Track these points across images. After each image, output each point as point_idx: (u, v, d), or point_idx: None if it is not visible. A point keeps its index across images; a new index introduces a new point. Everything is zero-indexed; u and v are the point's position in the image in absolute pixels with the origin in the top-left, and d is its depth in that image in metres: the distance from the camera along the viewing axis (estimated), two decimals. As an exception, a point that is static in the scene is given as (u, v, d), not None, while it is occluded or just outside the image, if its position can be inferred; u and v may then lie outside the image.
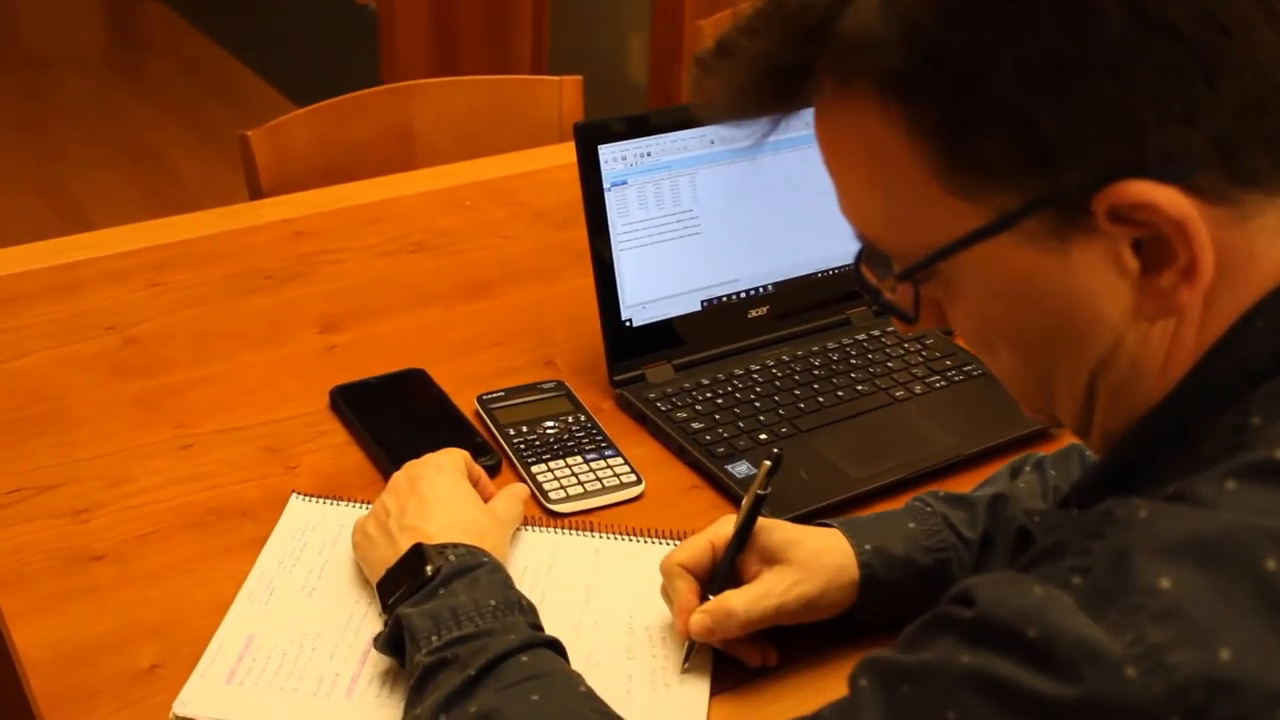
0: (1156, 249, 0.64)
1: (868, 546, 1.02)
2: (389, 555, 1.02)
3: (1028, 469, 1.09)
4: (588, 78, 1.94)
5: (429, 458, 1.10)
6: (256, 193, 1.73)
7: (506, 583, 0.98)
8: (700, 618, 0.99)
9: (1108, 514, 0.62)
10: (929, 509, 1.05)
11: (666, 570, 1.04)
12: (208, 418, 1.29)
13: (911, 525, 1.04)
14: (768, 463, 1.02)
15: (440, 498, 1.05)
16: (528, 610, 0.96)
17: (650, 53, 3.25)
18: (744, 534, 1.02)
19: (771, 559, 1.02)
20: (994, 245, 0.67)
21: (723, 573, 1.02)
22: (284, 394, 1.33)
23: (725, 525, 1.04)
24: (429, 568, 0.97)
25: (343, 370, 1.36)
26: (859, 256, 0.77)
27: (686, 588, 1.02)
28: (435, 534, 1.01)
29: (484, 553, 1.00)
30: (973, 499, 1.06)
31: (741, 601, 0.99)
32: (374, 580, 1.02)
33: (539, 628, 0.96)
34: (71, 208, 3.83)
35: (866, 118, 0.67)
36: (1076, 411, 0.73)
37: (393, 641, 0.96)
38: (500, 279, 1.56)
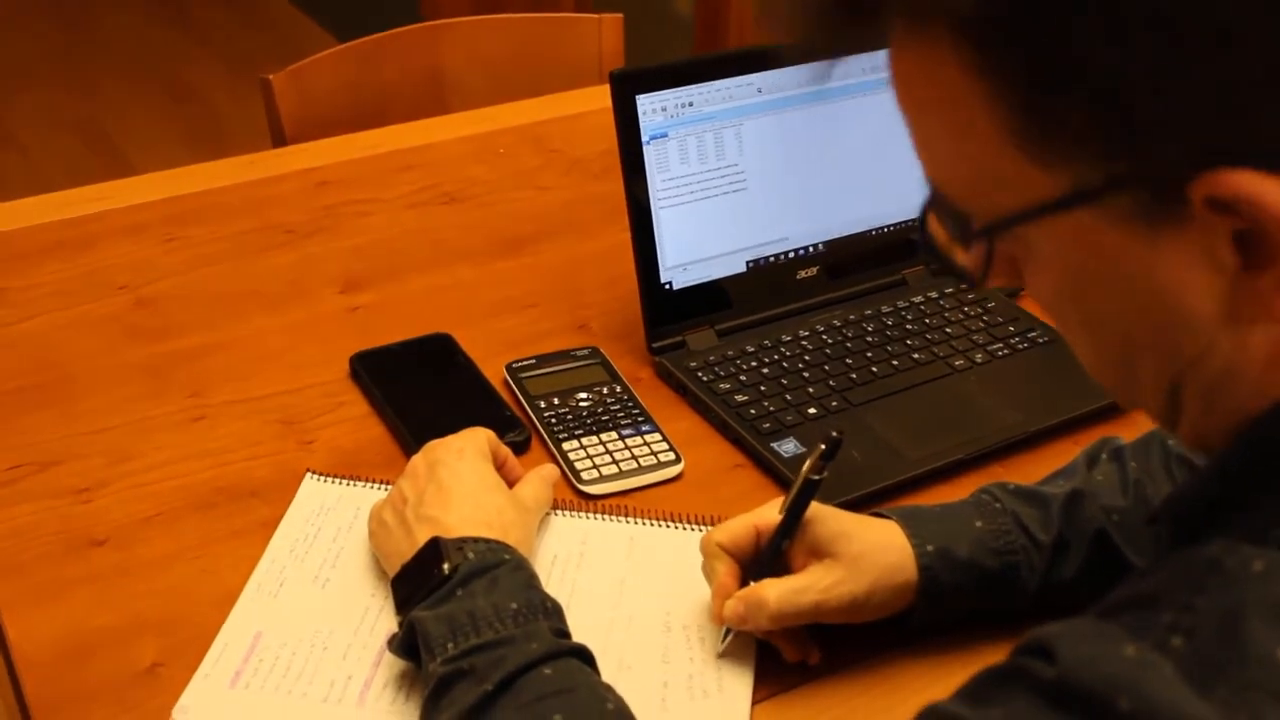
0: (1259, 244, 0.54)
1: (930, 548, 0.93)
2: (405, 548, 0.94)
3: (1104, 458, 0.99)
4: (632, 10, 1.84)
5: (450, 440, 1.02)
6: (280, 139, 1.64)
7: (530, 582, 0.90)
8: (733, 604, 0.92)
9: (1215, 564, 0.53)
10: (998, 505, 0.96)
11: (705, 549, 0.96)
12: (221, 387, 1.22)
13: (979, 524, 0.95)
14: (823, 445, 0.92)
15: (461, 485, 0.97)
16: (552, 613, 0.88)
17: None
18: (791, 522, 0.94)
19: (819, 552, 0.94)
20: (1074, 218, 0.57)
21: (765, 560, 0.94)
22: (302, 360, 1.25)
23: (772, 510, 0.96)
24: (445, 565, 0.89)
25: (365, 334, 1.28)
26: (927, 206, 0.67)
27: (725, 570, 0.94)
28: (454, 526, 0.93)
29: (506, 548, 0.92)
30: (1046, 496, 0.97)
31: (776, 594, 0.91)
32: (390, 574, 0.95)
33: (565, 633, 0.88)
34: (107, 145, 3.76)
35: (942, 64, 0.57)
36: (1160, 409, 0.64)
37: (407, 645, 0.89)
38: (534, 234, 1.47)
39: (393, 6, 3.74)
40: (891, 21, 0.60)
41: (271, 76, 1.61)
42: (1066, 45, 0.53)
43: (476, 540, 0.91)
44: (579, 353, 1.24)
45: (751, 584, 0.93)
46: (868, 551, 0.93)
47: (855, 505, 1.07)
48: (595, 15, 1.82)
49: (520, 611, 0.86)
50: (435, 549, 0.91)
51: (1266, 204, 0.52)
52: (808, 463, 0.93)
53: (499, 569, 0.89)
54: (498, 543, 0.92)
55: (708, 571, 0.96)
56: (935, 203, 0.65)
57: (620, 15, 1.82)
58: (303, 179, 1.55)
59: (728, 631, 0.94)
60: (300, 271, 1.39)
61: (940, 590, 0.93)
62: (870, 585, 0.92)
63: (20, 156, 3.72)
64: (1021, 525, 0.95)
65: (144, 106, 3.98)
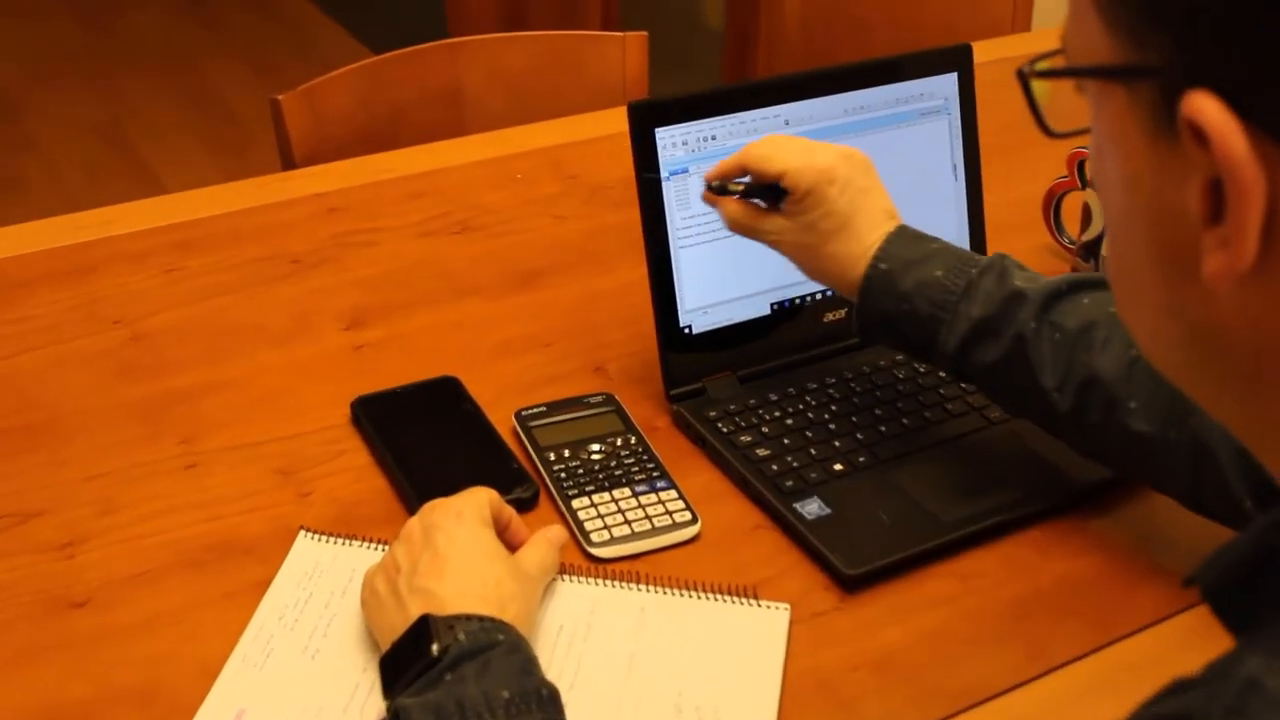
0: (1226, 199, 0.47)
1: (883, 265, 1.03)
2: (397, 622, 0.88)
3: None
4: (661, 24, 1.78)
5: (449, 502, 0.96)
6: (289, 161, 1.58)
7: (525, 667, 0.83)
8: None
9: (1254, 685, 0.46)
10: (973, 269, 1.03)
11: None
12: (216, 432, 1.16)
13: (939, 273, 1.03)
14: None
15: (457, 554, 0.91)
16: (547, 702, 0.82)
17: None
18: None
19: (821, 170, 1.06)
20: (1109, 90, 0.51)
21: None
22: (302, 403, 1.19)
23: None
24: (435, 647, 0.83)
25: (369, 374, 1.22)
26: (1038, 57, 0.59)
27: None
28: (448, 601, 0.87)
29: (502, 626, 0.85)
30: (1010, 286, 1.02)
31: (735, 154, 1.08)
32: (382, 647, 0.89)
33: (562, 725, 0.82)
34: (127, 147, 3.72)
35: None
36: (1161, 353, 0.56)
37: (395, 734, 0.83)
38: (550, 266, 1.40)
39: (418, 13, 3.69)
40: None
41: (281, 97, 1.55)
42: None
43: (470, 618, 0.85)
44: (593, 399, 1.17)
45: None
46: (859, 198, 1.06)
47: (884, 573, 1.01)
48: (619, 34, 1.76)
49: (513, 701, 0.80)
50: (425, 628, 0.84)
51: (1214, 138, 0.46)
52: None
53: (492, 651, 0.83)
54: (493, 621, 0.85)
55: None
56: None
57: (644, 34, 1.75)
58: (312, 205, 1.49)
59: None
60: (305, 305, 1.33)
61: (873, 304, 1.04)
62: (817, 211, 1.05)
63: (39, 158, 3.68)
64: (970, 293, 1.02)
65: (165, 109, 3.94)
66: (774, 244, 1.09)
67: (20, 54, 4.24)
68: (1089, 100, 0.53)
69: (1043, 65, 0.54)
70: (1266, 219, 0.46)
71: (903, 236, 1.05)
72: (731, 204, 1.09)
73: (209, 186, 1.52)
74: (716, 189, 1.09)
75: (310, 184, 1.52)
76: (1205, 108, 0.46)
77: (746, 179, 1.08)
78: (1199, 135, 0.46)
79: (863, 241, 1.05)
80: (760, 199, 1.08)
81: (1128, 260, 0.54)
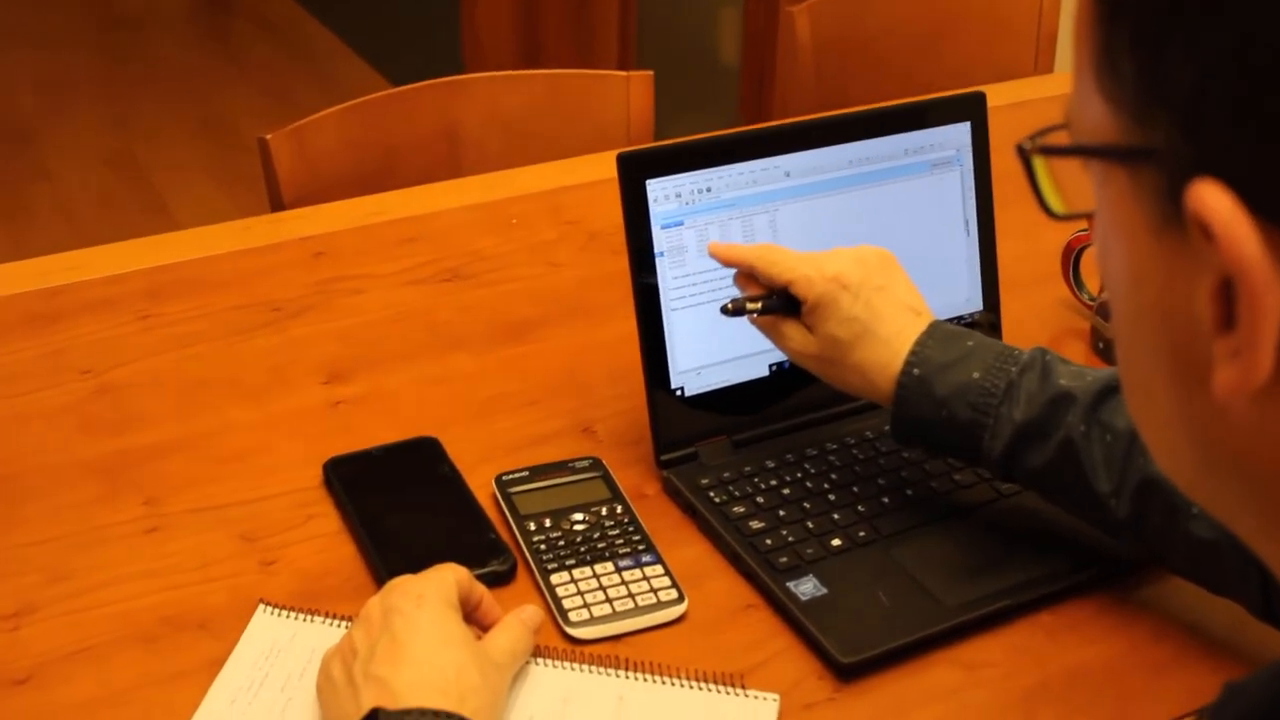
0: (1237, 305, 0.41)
1: (916, 371, 0.98)
2: (350, 711, 0.81)
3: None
4: (679, 63, 1.72)
5: (410, 582, 0.89)
6: (278, 203, 1.53)
7: (482, 770, 0.77)
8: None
9: None
10: (1013, 367, 0.97)
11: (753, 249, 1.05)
12: (180, 493, 1.09)
13: (976, 375, 0.97)
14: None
15: (416, 640, 0.84)
16: (508, 813, 0.75)
17: (743, 33, 2.99)
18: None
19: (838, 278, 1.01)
20: (1112, 173, 0.45)
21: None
22: (273, 463, 1.13)
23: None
24: (384, 746, 0.76)
25: (346, 432, 1.16)
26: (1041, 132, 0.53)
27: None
28: (402, 693, 0.80)
29: (460, 722, 0.79)
30: (1053, 385, 0.96)
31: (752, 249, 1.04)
32: (335, 742, 0.82)
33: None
34: (139, 177, 3.68)
35: None
36: (1175, 469, 0.49)
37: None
38: (542, 318, 1.34)
39: (440, 46, 3.65)
40: None
41: (269, 136, 1.50)
42: None
43: (424, 713, 0.78)
44: (578, 464, 1.11)
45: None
46: (883, 302, 1.00)
47: (883, 661, 0.94)
48: (623, 73, 1.70)
49: (469, 808, 0.73)
50: (375, 725, 0.78)
51: (1220, 236, 0.39)
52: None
53: (447, 752, 0.76)
54: (448, 716, 0.79)
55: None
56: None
57: (650, 73, 1.69)
58: (297, 249, 1.43)
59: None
60: (283, 357, 1.27)
61: (909, 412, 0.99)
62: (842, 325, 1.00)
63: (50, 187, 3.64)
64: (1012, 394, 0.96)
65: (179, 139, 3.90)
66: (797, 357, 1.05)
67: (38, 84, 4.21)
68: (1093, 182, 0.47)
69: (1044, 140, 0.48)
70: None
71: (934, 336, 0.99)
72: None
73: (188, 229, 1.47)
74: (733, 310, 1.03)
75: (296, 227, 1.46)
76: (1212, 200, 0.39)
77: (761, 298, 1.03)
78: (1206, 230, 0.40)
79: (890, 346, 1.00)
80: (778, 310, 1.03)
81: (1136, 365, 0.48)
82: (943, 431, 0.98)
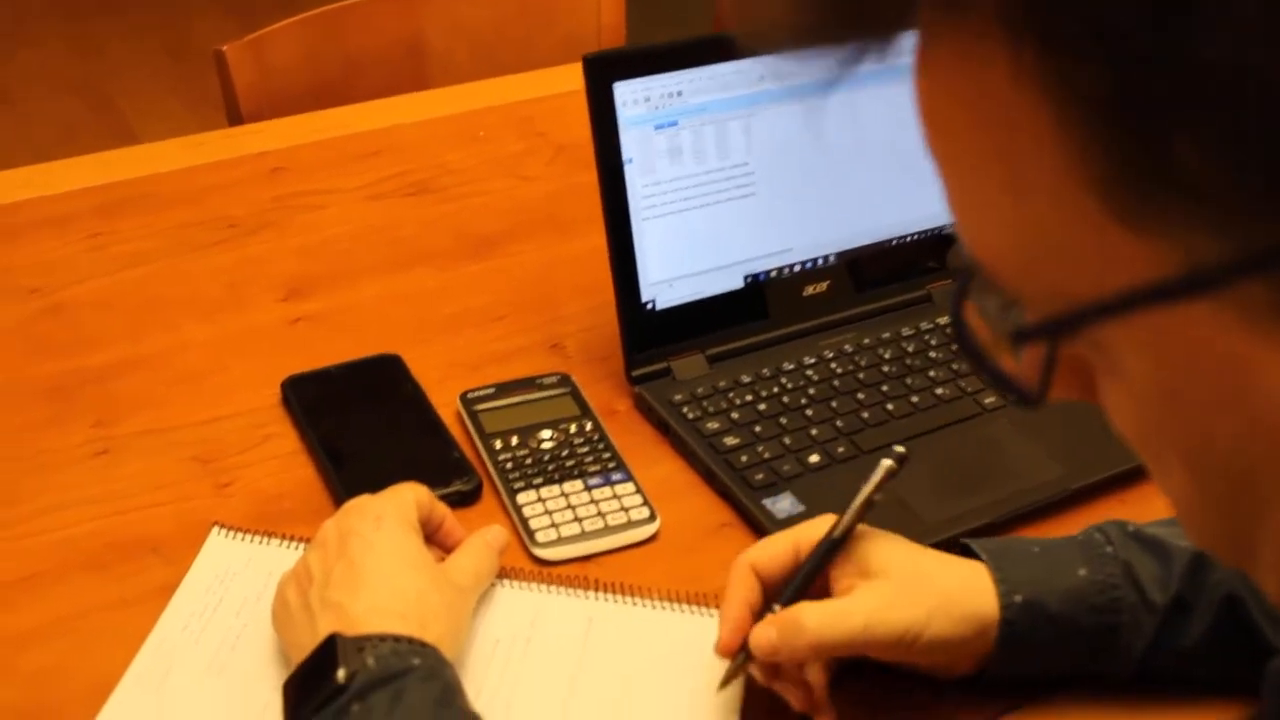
0: None
1: (1018, 598, 0.78)
2: (306, 639, 0.77)
3: None
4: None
5: (368, 502, 0.85)
6: (236, 118, 1.47)
7: (443, 696, 0.73)
8: (764, 630, 0.77)
9: None
10: (1109, 549, 0.81)
11: (735, 570, 0.81)
12: (132, 414, 1.05)
13: (1082, 571, 0.80)
14: (888, 463, 0.81)
15: (374, 563, 0.80)
16: (468, 738, 0.71)
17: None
18: (838, 540, 0.80)
19: (869, 572, 0.79)
20: (1182, 311, 0.39)
21: (800, 580, 0.80)
22: (229, 383, 1.09)
23: (816, 528, 0.82)
24: (340, 673, 0.72)
25: (305, 351, 1.11)
26: (962, 290, 0.47)
27: (745, 591, 0.80)
28: (360, 617, 0.76)
29: (418, 648, 0.75)
30: (1170, 548, 0.81)
31: (816, 617, 0.77)
32: (291, 666, 0.78)
33: (486, 763, 0.71)
34: (108, 107, 3.59)
35: (987, 71, 0.39)
36: None
37: (296, 772, 0.72)
38: (509, 232, 1.29)
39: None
40: (913, 15, 0.41)
41: (226, 47, 1.44)
42: (1186, 44, 0.34)
43: (383, 639, 0.74)
44: (546, 380, 1.06)
45: (778, 608, 0.78)
46: (932, 577, 0.79)
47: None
48: (594, -18, 1.64)
49: (427, 738, 0.70)
50: (331, 650, 0.74)
51: None
52: (871, 481, 0.81)
53: (405, 679, 0.72)
54: (409, 641, 0.75)
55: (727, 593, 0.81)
56: (976, 285, 0.46)
57: (621, -18, 1.63)
58: (254, 164, 1.38)
59: (735, 666, 0.79)
60: (240, 274, 1.22)
61: (1023, 647, 0.78)
62: (929, 612, 0.76)
63: (16, 118, 3.56)
64: (1133, 579, 0.80)
65: (148, 67, 3.80)
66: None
67: (-2, 7, 4.11)
68: (1100, 354, 0.43)
69: (1056, 314, 0.42)
70: None
71: (1008, 555, 0.81)
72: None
73: (141, 144, 1.41)
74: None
75: (254, 142, 1.41)
76: None
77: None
78: None
79: (962, 596, 0.79)
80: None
81: (1236, 498, 0.43)
82: (1059, 651, 0.80)
